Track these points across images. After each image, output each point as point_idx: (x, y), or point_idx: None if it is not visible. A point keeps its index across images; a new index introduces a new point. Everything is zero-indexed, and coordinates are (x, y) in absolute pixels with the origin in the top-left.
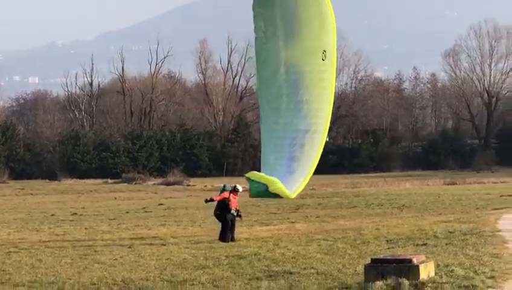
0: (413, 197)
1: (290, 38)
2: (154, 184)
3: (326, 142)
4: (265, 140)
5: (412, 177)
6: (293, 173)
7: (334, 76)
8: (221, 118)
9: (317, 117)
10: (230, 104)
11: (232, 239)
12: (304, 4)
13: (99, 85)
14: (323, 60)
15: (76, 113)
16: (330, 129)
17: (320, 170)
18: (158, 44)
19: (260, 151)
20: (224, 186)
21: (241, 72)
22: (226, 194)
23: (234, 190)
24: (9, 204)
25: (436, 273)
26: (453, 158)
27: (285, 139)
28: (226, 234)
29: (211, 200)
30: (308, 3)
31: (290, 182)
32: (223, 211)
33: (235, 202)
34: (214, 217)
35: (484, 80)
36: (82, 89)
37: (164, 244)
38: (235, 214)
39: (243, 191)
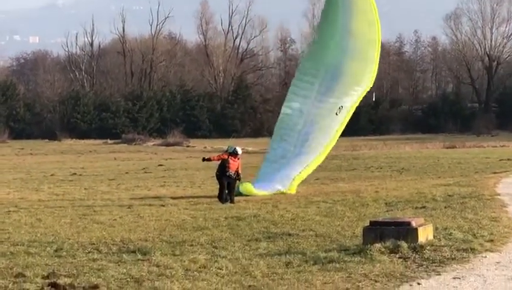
0: (413, 160)
1: (321, 94)
2: (154, 145)
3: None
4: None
5: (411, 140)
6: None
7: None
8: (221, 80)
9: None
10: (231, 65)
11: (231, 201)
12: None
13: (99, 45)
14: (336, 114)
15: (77, 74)
16: None
17: None
18: (159, 5)
19: (260, 113)
20: (228, 148)
21: (242, 33)
22: (224, 156)
23: (233, 153)
24: (9, 164)
25: (434, 237)
26: (452, 122)
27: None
28: (222, 195)
29: (208, 159)
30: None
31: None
32: (221, 172)
33: (234, 165)
34: (215, 178)
35: (485, 44)
36: (82, 49)
37: (163, 205)
38: (234, 176)
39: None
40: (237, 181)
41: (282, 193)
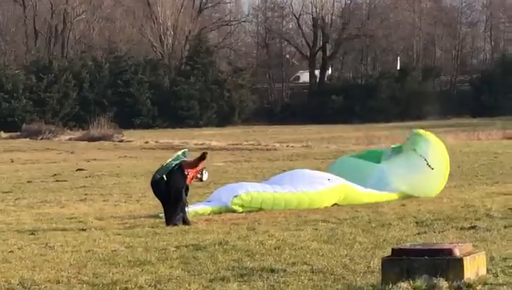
0: (458, 157)
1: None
2: (70, 139)
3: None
4: None
5: (455, 127)
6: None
7: None
8: (170, 41)
9: None
10: (184, 19)
11: (185, 221)
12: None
13: None
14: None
15: None
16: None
17: (319, 117)
18: None
19: (228, 90)
20: (182, 154)
21: None
22: (200, 166)
23: (201, 159)
24: None
25: (488, 271)
26: None
27: None
28: (171, 215)
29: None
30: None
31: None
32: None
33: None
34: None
35: None
36: None
37: (84, 229)
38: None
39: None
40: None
41: (249, 208)
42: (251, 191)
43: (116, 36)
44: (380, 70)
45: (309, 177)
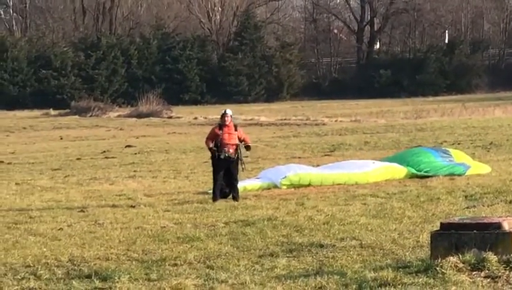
0: (507, 130)
1: None
2: (119, 116)
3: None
4: None
5: (504, 100)
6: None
7: None
8: (217, 17)
9: None
10: None
11: (235, 197)
12: None
13: None
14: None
15: (1, 12)
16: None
17: (367, 92)
18: None
19: (276, 66)
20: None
21: None
22: (215, 132)
23: (223, 119)
24: None
25: None
26: None
27: None
28: (216, 189)
29: (211, 148)
30: None
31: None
32: (215, 156)
33: (231, 138)
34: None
35: None
36: None
37: (133, 206)
38: (234, 157)
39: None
40: (241, 161)
41: (298, 186)
42: (299, 172)
43: (164, 13)
44: (428, 44)
45: (356, 163)
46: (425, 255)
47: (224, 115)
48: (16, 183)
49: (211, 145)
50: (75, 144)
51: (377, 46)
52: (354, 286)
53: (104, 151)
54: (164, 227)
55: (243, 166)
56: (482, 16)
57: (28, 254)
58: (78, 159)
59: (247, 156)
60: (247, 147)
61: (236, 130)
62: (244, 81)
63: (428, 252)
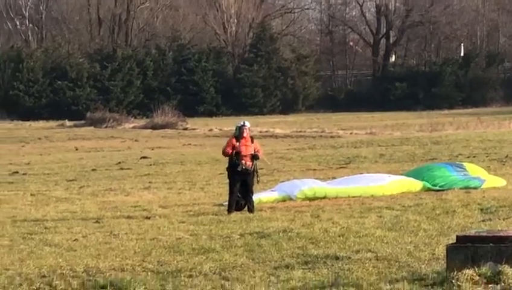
0: None
1: None
2: (134, 127)
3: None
4: None
5: None
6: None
7: None
8: (233, 29)
9: None
10: (248, 6)
11: (250, 209)
12: None
13: None
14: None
15: (18, 23)
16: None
17: (382, 104)
18: None
19: (292, 78)
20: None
21: None
22: (232, 143)
23: (240, 131)
24: None
25: None
26: None
27: None
28: (232, 201)
29: (232, 156)
30: None
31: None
32: (231, 167)
33: (248, 149)
34: (226, 175)
35: None
36: None
37: (148, 217)
38: (251, 169)
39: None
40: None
41: (313, 198)
42: (314, 187)
43: (179, 24)
44: (443, 57)
45: (371, 177)
46: (441, 268)
47: (242, 127)
48: (31, 194)
49: (231, 152)
50: (90, 155)
51: (393, 58)
52: None
53: (119, 163)
54: (179, 238)
55: (258, 178)
56: (498, 29)
57: (43, 264)
58: (93, 170)
59: (262, 168)
60: (255, 156)
61: (252, 142)
62: (260, 93)
63: (444, 265)
